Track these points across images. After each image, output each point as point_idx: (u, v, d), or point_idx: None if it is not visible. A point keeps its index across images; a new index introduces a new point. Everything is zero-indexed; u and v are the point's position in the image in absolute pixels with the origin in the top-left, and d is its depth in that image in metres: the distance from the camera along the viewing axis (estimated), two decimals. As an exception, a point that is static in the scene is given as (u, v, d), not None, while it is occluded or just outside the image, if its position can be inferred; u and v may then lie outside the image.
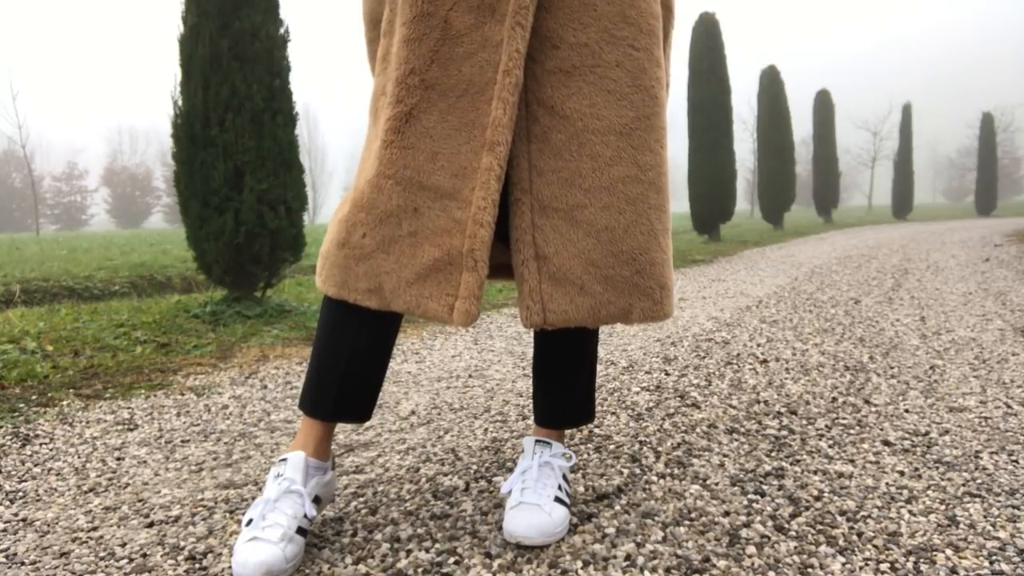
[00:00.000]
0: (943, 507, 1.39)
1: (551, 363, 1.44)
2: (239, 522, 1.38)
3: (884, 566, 1.17)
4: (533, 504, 1.27)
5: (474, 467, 1.65)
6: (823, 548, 1.23)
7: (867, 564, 1.17)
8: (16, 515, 1.46)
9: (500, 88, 1.14)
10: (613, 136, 1.19)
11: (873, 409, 2.06)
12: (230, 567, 1.20)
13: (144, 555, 1.26)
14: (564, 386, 1.44)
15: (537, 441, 1.40)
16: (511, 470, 1.61)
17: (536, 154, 1.19)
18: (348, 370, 1.28)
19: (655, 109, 1.22)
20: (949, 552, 1.21)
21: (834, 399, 2.18)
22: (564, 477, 1.38)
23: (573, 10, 1.17)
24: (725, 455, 1.70)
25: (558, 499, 1.31)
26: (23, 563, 1.25)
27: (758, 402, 2.16)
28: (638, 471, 1.60)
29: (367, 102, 1.33)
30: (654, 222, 1.22)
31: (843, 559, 1.19)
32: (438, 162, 1.16)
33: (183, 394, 2.46)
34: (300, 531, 1.20)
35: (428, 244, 1.17)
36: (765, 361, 2.74)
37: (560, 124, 1.18)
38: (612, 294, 1.20)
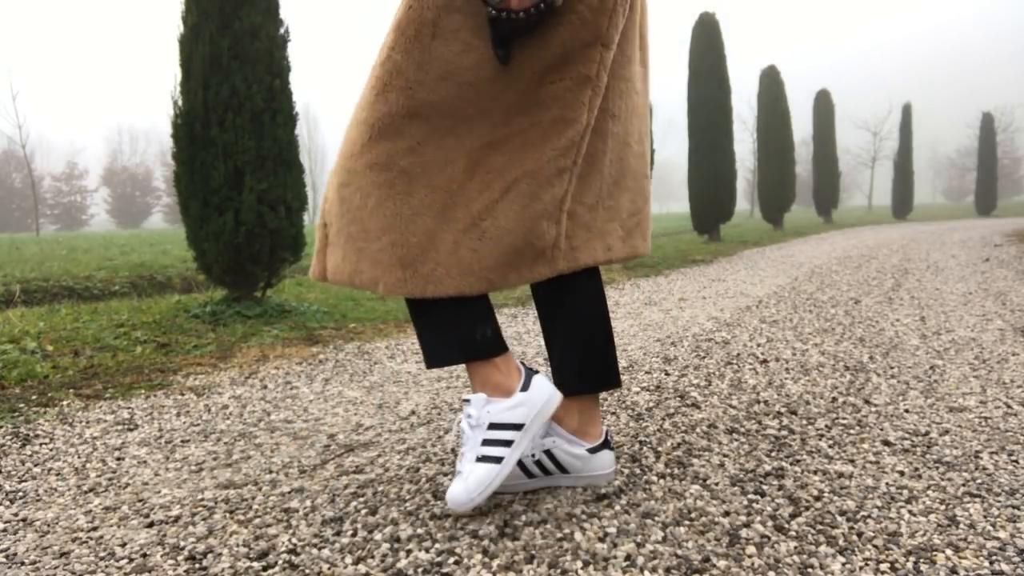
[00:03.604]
0: (943, 507, 1.39)
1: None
2: (239, 522, 1.38)
3: (884, 566, 1.17)
4: (458, 473, 1.34)
5: (474, 467, 1.65)
6: (823, 548, 1.23)
7: (867, 564, 1.17)
8: (16, 515, 1.46)
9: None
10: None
11: (873, 409, 2.06)
12: (230, 567, 1.20)
13: (144, 555, 1.26)
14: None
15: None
16: (511, 470, 1.61)
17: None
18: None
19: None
20: (949, 552, 1.21)
21: (834, 399, 2.18)
22: (500, 425, 1.33)
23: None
24: (725, 455, 1.70)
25: (483, 457, 1.31)
26: (23, 563, 1.25)
27: (758, 402, 2.16)
28: (638, 471, 1.60)
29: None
30: (400, 207, 1.30)
31: (843, 559, 1.19)
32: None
33: (183, 394, 2.46)
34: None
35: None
36: (765, 361, 2.74)
37: None
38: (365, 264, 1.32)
